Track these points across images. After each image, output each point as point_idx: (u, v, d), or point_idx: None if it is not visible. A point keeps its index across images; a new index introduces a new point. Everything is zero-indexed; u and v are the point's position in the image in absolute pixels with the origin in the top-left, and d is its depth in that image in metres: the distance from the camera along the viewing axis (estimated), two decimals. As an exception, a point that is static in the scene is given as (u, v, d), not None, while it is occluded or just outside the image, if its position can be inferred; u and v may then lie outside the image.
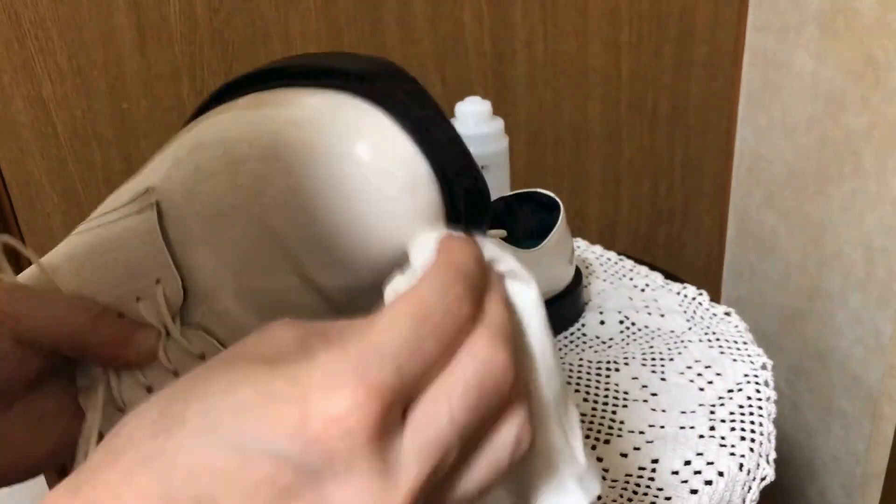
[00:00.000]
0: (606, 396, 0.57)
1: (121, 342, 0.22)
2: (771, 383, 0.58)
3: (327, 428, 0.18)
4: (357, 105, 0.27)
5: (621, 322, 0.66)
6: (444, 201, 0.27)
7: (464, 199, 0.27)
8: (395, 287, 0.24)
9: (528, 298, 0.24)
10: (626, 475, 0.50)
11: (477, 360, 0.20)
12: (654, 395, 0.57)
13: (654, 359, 0.61)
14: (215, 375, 0.20)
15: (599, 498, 0.46)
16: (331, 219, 0.26)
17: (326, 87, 0.27)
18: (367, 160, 0.26)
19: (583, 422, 0.55)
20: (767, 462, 0.52)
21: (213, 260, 0.28)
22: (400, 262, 0.26)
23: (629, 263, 0.75)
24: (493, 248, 0.24)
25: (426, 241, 0.24)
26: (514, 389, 0.21)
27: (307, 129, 0.27)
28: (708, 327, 0.65)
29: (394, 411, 0.19)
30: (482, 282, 0.22)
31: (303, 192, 0.26)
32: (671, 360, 0.61)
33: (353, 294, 0.28)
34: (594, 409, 0.56)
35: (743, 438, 0.52)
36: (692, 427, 0.54)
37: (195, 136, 0.29)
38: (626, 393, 0.58)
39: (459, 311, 0.21)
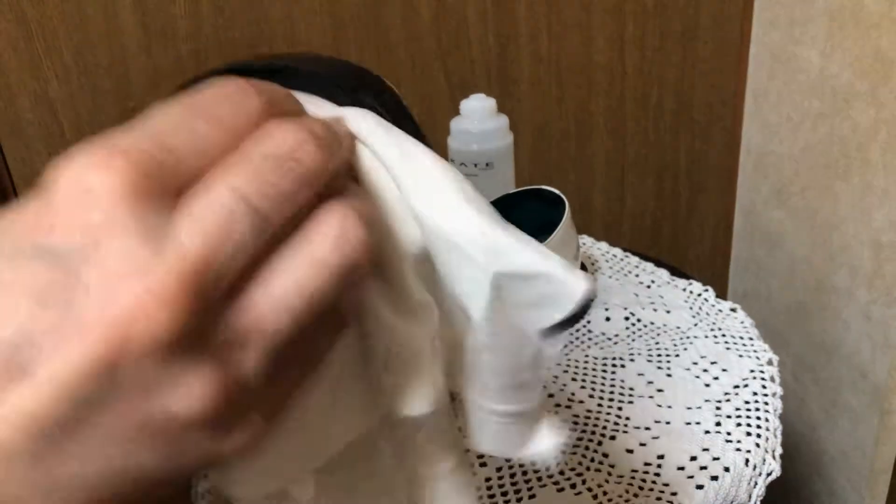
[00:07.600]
0: (612, 393, 0.57)
1: None
2: (777, 379, 0.58)
3: (73, 197, 0.16)
4: None
5: (627, 318, 0.66)
6: None
7: None
8: None
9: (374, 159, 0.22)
10: (632, 471, 0.50)
11: (269, 137, 0.19)
12: (659, 391, 0.57)
13: (659, 355, 0.61)
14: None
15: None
16: None
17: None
18: None
19: (588, 418, 0.55)
20: (774, 457, 0.52)
21: None
22: None
23: (635, 259, 0.75)
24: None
25: None
26: (333, 183, 0.19)
27: None
28: (714, 323, 0.65)
29: (154, 179, 0.17)
30: (283, 101, 0.20)
31: None
32: (677, 356, 0.61)
33: None
34: (600, 405, 0.56)
35: (749, 434, 0.52)
36: (698, 423, 0.54)
37: None
38: (631, 389, 0.58)
39: (243, 100, 0.19)
